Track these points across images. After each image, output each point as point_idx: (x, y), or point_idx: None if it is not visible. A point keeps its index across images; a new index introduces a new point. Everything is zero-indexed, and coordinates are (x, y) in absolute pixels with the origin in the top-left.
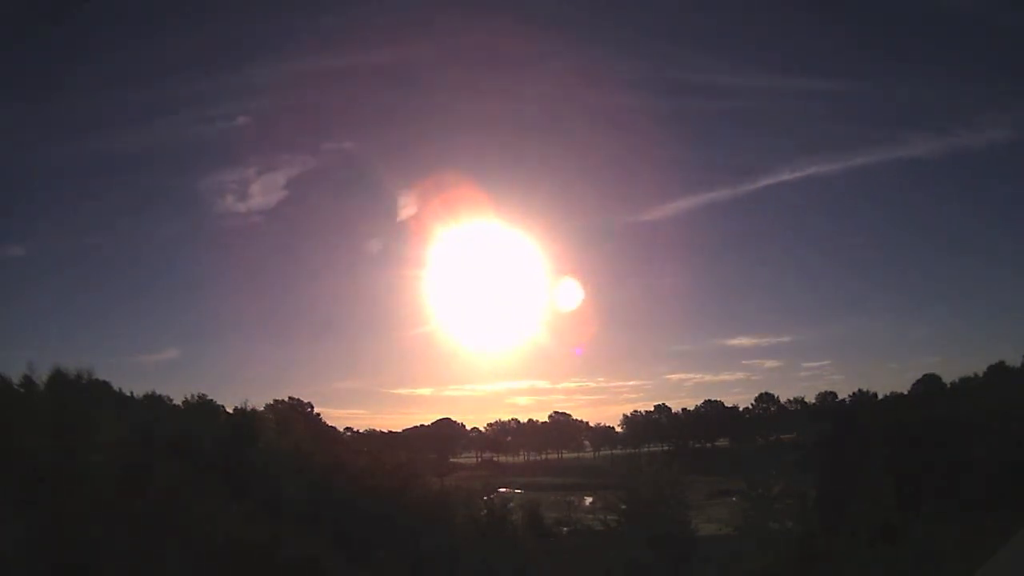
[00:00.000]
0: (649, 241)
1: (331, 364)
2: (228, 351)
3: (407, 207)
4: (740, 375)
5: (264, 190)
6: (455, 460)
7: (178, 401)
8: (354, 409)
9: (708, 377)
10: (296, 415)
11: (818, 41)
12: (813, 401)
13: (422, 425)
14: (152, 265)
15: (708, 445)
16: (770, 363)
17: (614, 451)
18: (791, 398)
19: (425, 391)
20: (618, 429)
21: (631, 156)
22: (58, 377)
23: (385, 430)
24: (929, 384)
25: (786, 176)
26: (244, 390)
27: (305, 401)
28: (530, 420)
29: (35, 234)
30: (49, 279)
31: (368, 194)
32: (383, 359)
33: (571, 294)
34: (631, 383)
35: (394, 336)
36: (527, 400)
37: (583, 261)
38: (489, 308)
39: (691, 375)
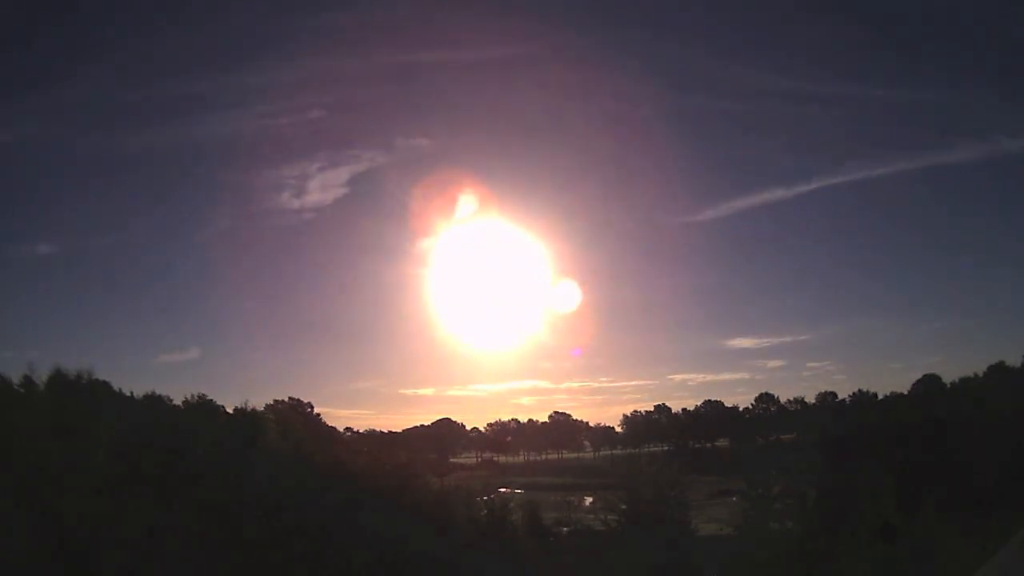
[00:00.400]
0: (654, 242)
1: (338, 364)
2: (237, 351)
3: (416, 204)
4: (743, 375)
5: (279, 192)
6: (455, 460)
7: (178, 401)
8: (361, 409)
9: (711, 377)
10: (296, 415)
11: (831, 46)
12: (813, 401)
13: (422, 425)
14: (166, 264)
15: (708, 445)
16: (773, 363)
17: (614, 451)
18: (791, 398)
19: (428, 391)
20: (618, 429)
21: (641, 157)
22: (58, 377)
23: (385, 430)
24: (929, 384)
25: (793, 189)
26: (253, 390)
27: (305, 401)
28: (530, 420)
29: (51, 232)
30: (60, 279)
31: (380, 195)
32: (390, 360)
33: (574, 294)
34: (634, 383)
35: (400, 337)
36: (531, 400)
37: (588, 261)
38: (494, 308)
39: (694, 375)
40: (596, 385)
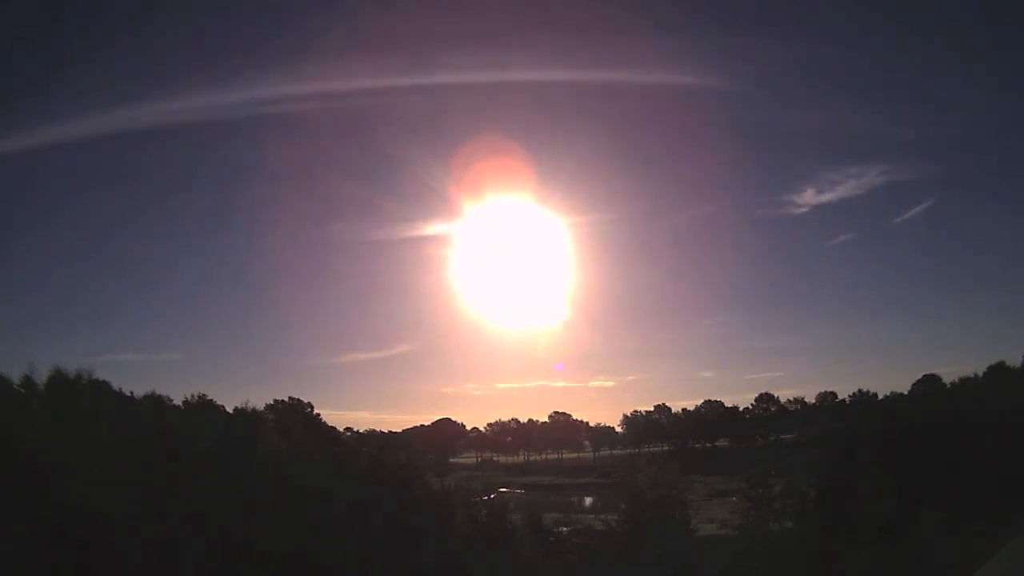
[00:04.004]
0: (671, 243)
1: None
2: (237, 353)
3: (439, 183)
4: (756, 376)
5: None
6: (455, 460)
7: (178, 401)
8: (383, 412)
9: (722, 378)
10: (295, 415)
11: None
12: (813, 401)
13: (422, 425)
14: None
15: (708, 445)
16: (782, 362)
17: (614, 451)
18: (791, 398)
19: (447, 390)
20: (618, 429)
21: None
22: (58, 377)
23: (385, 430)
24: (929, 384)
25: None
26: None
27: (305, 401)
28: (530, 420)
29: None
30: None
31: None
32: (407, 357)
33: (592, 293)
34: (650, 383)
35: (417, 335)
36: (555, 398)
37: (609, 260)
38: (516, 306)
39: (699, 374)
40: (611, 384)
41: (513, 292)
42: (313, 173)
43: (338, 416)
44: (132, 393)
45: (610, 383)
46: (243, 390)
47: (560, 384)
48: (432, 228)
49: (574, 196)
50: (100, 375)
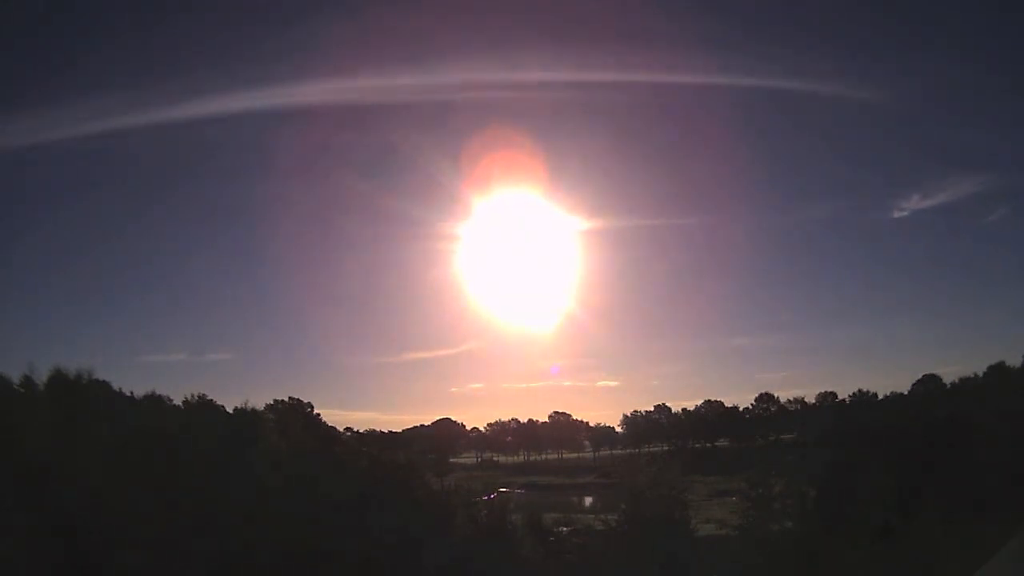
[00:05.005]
0: (678, 244)
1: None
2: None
3: (449, 180)
4: (756, 376)
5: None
6: (455, 460)
7: (178, 401)
8: (391, 412)
9: (723, 378)
10: (295, 415)
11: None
12: (813, 401)
13: (422, 425)
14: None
15: (708, 445)
16: (782, 362)
17: (614, 451)
18: (791, 398)
19: (454, 390)
20: (618, 429)
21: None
22: (58, 377)
23: (385, 430)
24: (929, 384)
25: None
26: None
27: (305, 401)
28: (530, 420)
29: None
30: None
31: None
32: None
33: (603, 293)
34: (652, 383)
35: (425, 336)
36: (561, 397)
37: (618, 260)
38: (523, 305)
39: (699, 374)
40: (614, 384)
41: (521, 291)
42: (320, 172)
43: (345, 416)
44: (132, 393)
45: (615, 383)
46: (257, 391)
47: (567, 383)
48: (443, 227)
49: (588, 197)
50: (100, 375)
